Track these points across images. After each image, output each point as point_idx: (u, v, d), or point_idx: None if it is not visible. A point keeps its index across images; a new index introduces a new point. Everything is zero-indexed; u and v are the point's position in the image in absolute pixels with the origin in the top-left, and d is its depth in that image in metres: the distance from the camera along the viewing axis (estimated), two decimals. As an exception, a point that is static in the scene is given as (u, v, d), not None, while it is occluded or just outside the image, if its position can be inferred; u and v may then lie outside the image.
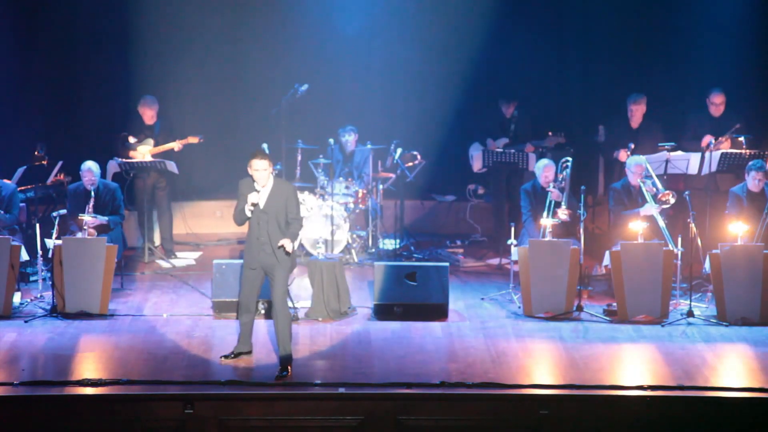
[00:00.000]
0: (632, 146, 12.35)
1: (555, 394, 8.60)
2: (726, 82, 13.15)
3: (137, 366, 9.11)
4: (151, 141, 12.87)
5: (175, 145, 12.85)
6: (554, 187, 11.42)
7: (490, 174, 13.54)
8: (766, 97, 13.85)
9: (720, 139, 12.34)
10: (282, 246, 9.01)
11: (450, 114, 14.46)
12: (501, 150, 13.14)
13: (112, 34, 14.13)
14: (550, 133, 13.18)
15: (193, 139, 12.89)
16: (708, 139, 12.42)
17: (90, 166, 11.55)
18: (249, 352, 9.31)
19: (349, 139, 13.22)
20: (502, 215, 13.27)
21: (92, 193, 11.31)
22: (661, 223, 11.07)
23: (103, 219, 11.35)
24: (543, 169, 11.65)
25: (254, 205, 9.01)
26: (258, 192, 9.00)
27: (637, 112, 12.85)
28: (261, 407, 8.49)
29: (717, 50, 13.75)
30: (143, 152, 12.81)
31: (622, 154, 12.47)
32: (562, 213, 11.19)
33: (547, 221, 10.92)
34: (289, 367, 8.92)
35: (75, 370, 9.03)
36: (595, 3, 14.19)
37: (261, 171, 8.99)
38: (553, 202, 11.31)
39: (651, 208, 11.17)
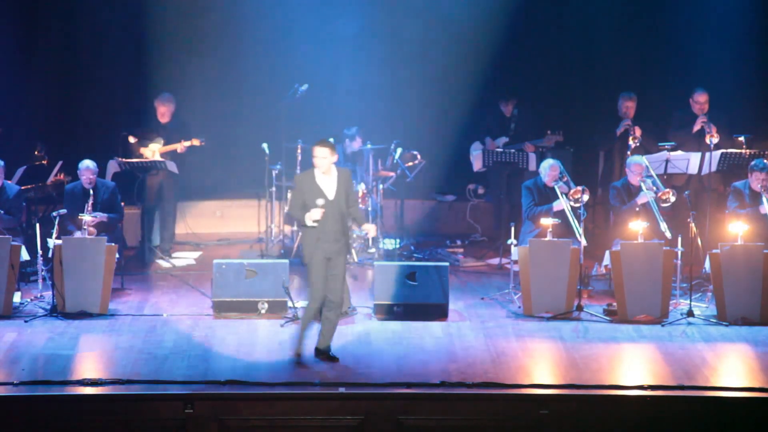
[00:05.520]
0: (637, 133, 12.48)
1: (555, 394, 8.60)
2: (724, 81, 13.16)
3: (137, 366, 9.10)
4: (161, 140, 12.88)
5: (179, 147, 12.85)
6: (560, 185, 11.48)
7: (490, 174, 13.53)
8: (764, 96, 13.86)
9: (712, 125, 12.35)
10: (368, 232, 9.53)
11: (450, 114, 14.45)
12: (501, 150, 13.13)
13: (112, 34, 14.12)
14: (548, 132, 13.19)
15: (196, 141, 12.90)
16: (700, 122, 12.42)
17: (88, 165, 11.58)
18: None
19: (357, 140, 13.24)
20: (502, 215, 13.26)
21: (90, 192, 11.33)
22: (656, 208, 11.08)
23: (103, 216, 11.38)
24: (549, 169, 11.66)
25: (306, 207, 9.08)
26: (322, 203, 9.00)
27: (631, 109, 12.87)
28: (261, 407, 8.48)
29: (716, 50, 13.75)
30: (153, 150, 12.82)
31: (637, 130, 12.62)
32: (577, 193, 11.16)
33: (547, 221, 10.91)
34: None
35: (75, 370, 9.03)
36: (594, 2, 14.19)
37: (320, 158, 9.07)
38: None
39: (646, 196, 11.19)
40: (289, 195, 12.97)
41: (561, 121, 13.74)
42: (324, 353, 9.22)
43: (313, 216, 9.02)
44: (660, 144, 12.56)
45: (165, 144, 12.87)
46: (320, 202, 9.02)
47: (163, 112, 12.97)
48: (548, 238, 10.78)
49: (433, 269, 10.76)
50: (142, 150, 12.80)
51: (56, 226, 10.84)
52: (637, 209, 11.26)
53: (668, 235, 10.94)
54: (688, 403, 8.55)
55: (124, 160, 12.67)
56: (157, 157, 12.75)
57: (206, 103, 14.42)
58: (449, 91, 14.31)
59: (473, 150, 13.63)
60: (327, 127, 13.51)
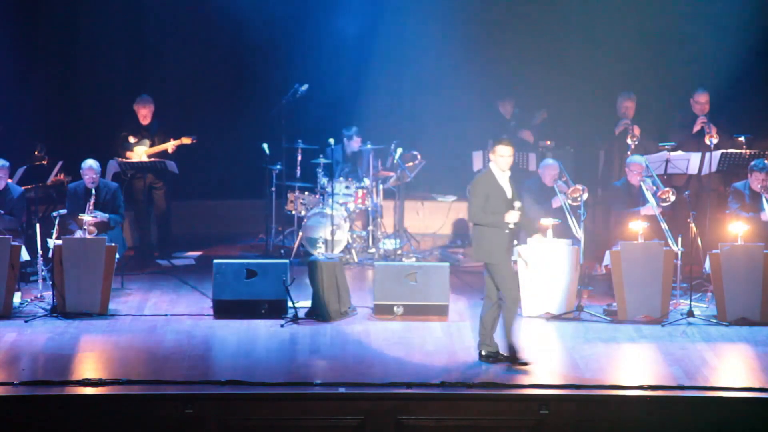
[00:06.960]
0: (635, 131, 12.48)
1: (555, 394, 8.59)
2: (724, 81, 13.17)
3: (137, 366, 9.11)
4: (147, 142, 12.88)
5: (169, 146, 12.84)
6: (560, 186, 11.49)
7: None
8: (764, 96, 13.86)
9: (712, 126, 12.34)
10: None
11: (450, 114, 14.46)
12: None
13: (112, 33, 14.13)
14: (535, 114, 13.30)
15: (186, 140, 12.88)
16: (700, 122, 12.42)
17: (91, 164, 11.59)
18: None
19: (356, 140, 13.25)
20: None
21: (92, 191, 11.35)
22: (664, 224, 11.06)
23: (103, 216, 11.39)
24: (548, 168, 11.70)
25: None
26: (519, 206, 9.04)
27: (630, 109, 12.87)
28: (261, 407, 8.48)
29: (716, 50, 13.75)
30: (139, 153, 12.81)
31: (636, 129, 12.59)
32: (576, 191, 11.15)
33: (547, 221, 10.91)
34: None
35: (75, 370, 9.03)
36: (594, 2, 14.20)
37: (507, 157, 9.05)
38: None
39: (652, 208, 11.18)
40: (291, 196, 12.97)
41: (560, 121, 13.76)
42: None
43: (513, 218, 9.05)
44: (660, 144, 12.56)
45: (151, 145, 12.86)
46: (518, 204, 9.04)
47: (145, 114, 12.96)
48: (549, 238, 10.78)
49: (433, 269, 10.76)
50: (129, 153, 12.79)
51: (56, 226, 10.85)
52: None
53: (675, 247, 10.81)
54: (688, 403, 8.55)
55: (123, 160, 12.67)
56: (145, 159, 12.75)
57: (206, 102, 14.43)
58: (449, 91, 14.32)
59: (474, 150, 13.63)
60: (327, 127, 13.53)
